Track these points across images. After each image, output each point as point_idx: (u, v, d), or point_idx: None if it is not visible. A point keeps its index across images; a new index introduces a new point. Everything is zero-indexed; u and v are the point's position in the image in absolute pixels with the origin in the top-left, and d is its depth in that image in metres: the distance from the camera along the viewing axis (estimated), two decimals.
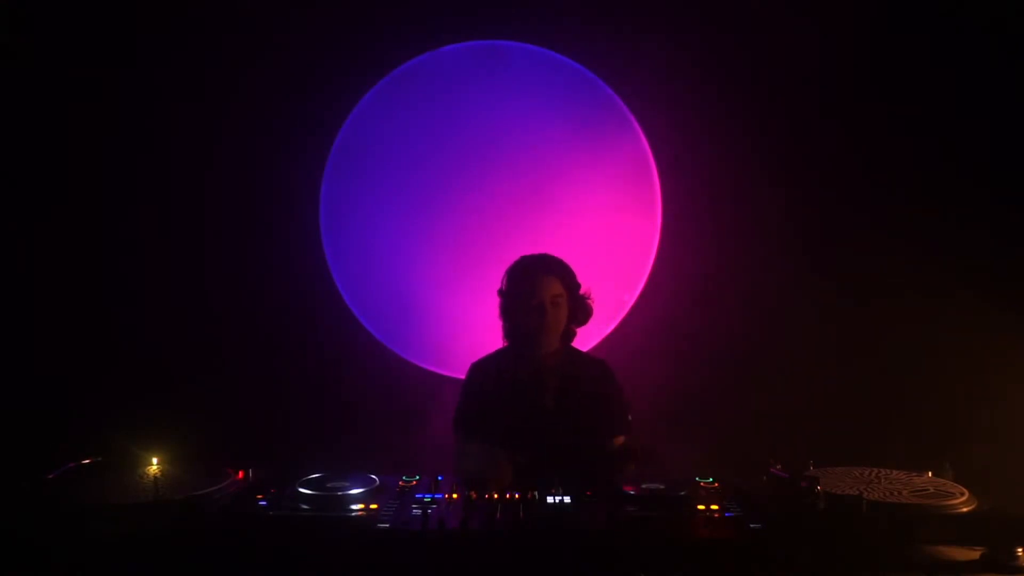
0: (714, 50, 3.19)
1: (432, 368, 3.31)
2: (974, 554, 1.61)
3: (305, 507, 1.79)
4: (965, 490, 1.79)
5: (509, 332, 2.52)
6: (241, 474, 1.97)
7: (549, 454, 2.27)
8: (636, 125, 3.29)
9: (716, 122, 3.21)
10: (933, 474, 1.94)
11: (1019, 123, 3.01)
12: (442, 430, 2.55)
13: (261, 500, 1.81)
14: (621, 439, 2.46)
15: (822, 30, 3.06)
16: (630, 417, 2.48)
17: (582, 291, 2.50)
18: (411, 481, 1.97)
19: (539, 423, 2.39)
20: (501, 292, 2.50)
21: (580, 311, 2.49)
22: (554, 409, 2.43)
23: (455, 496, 1.85)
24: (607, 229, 3.27)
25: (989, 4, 3.02)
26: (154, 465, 1.98)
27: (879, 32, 3.07)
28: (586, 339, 3.10)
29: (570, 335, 2.53)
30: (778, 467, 1.88)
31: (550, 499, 1.81)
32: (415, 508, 1.77)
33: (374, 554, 1.64)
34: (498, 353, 2.55)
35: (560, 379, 2.45)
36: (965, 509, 1.72)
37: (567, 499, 1.82)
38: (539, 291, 2.39)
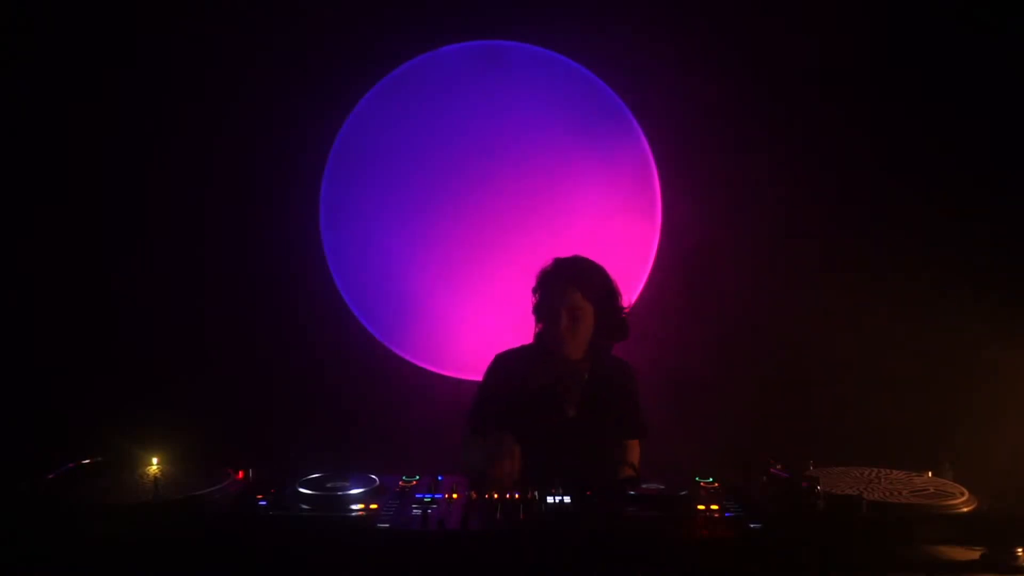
0: (715, 50, 3.19)
1: (432, 368, 3.30)
2: (974, 554, 1.61)
3: (305, 507, 1.79)
4: (965, 490, 1.79)
5: (536, 332, 2.42)
6: (241, 474, 1.97)
7: (564, 461, 2.17)
8: (636, 126, 3.28)
9: (717, 122, 3.21)
10: (933, 474, 1.94)
11: (1019, 123, 3.02)
12: (442, 429, 2.55)
13: (261, 500, 1.81)
14: (634, 443, 2.37)
15: (823, 30, 3.06)
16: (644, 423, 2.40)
17: (618, 305, 2.36)
18: (411, 481, 1.97)
19: (558, 431, 2.31)
20: (533, 290, 2.40)
21: (608, 326, 2.34)
22: (575, 419, 2.35)
23: (455, 496, 1.85)
24: (607, 230, 3.26)
25: (989, 4, 3.03)
26: (154, 465, 1.98)
27: (879, 31, 3.07)
28: None
29: (600, 347, 2.38)
30: (778, 467, 1.88)
31: (550, 499, 1.81)
32: (415, 508, 1.77)
33: (374, 554, 1.64)
34: (524, 349, 2.45)
35: (583, 389, 2.37)
36: (965, 509, 1.72)
37: (567, 499, 1.82)
38: (555, 298, 2.30)
